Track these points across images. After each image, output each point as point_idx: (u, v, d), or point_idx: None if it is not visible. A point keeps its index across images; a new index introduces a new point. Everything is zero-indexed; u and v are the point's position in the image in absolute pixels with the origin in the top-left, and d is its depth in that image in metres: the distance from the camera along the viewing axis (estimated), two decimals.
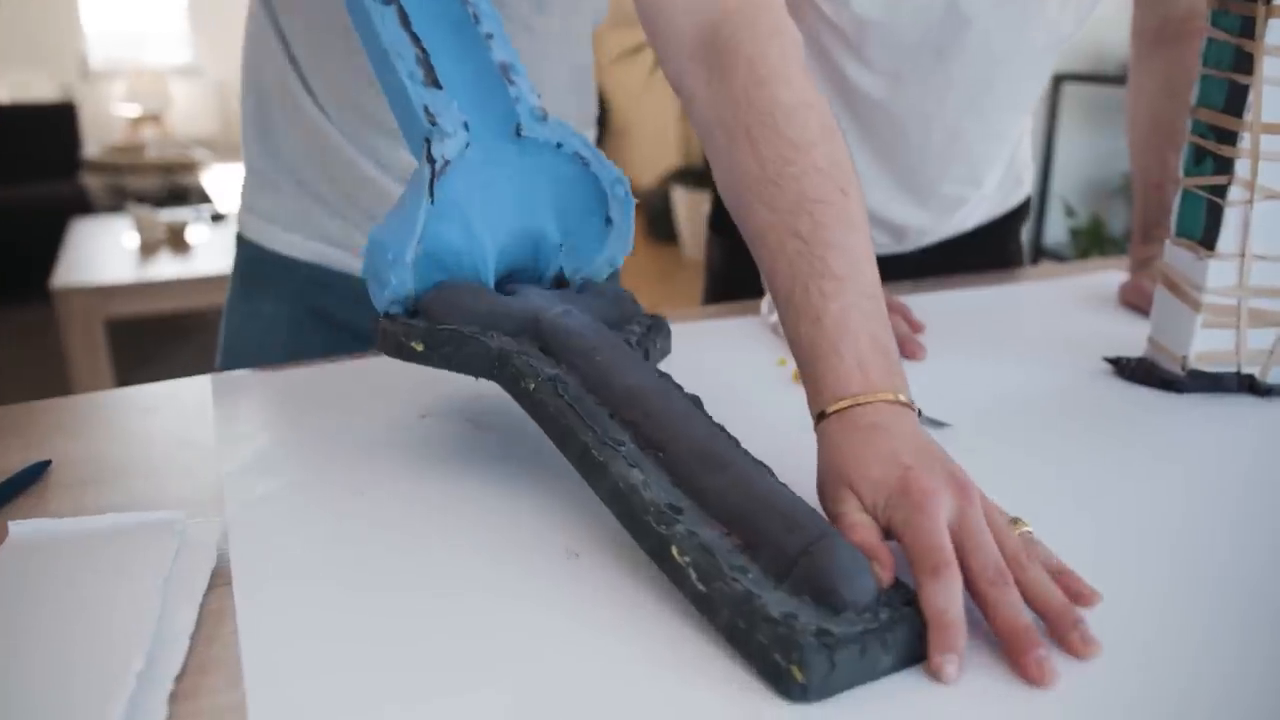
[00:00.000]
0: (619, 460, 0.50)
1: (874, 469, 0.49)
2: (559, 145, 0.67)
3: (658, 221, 5.17)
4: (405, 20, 0.66)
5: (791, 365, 0.83)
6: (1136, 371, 0.80)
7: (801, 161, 0.60)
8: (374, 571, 0.51)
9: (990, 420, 0.72)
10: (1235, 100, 0.72)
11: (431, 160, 0.61)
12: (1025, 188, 1.26)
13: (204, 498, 0.60)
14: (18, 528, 0.52)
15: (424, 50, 0.66)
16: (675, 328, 0.93)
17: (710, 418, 0.55)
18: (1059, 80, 2.36)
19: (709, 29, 0.66)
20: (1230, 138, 0.72)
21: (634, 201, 0.70)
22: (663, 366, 0.71)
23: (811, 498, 0.52)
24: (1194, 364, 0.76)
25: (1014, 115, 1.12)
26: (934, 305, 1.00)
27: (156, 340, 3.61)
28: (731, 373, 0.82)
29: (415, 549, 0.53)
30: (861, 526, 0.48)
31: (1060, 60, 2.26)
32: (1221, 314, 0.75)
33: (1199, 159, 0.76)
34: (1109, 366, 0.83)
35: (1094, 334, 0.92)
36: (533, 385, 0.55)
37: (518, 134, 0.66)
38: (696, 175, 4.88)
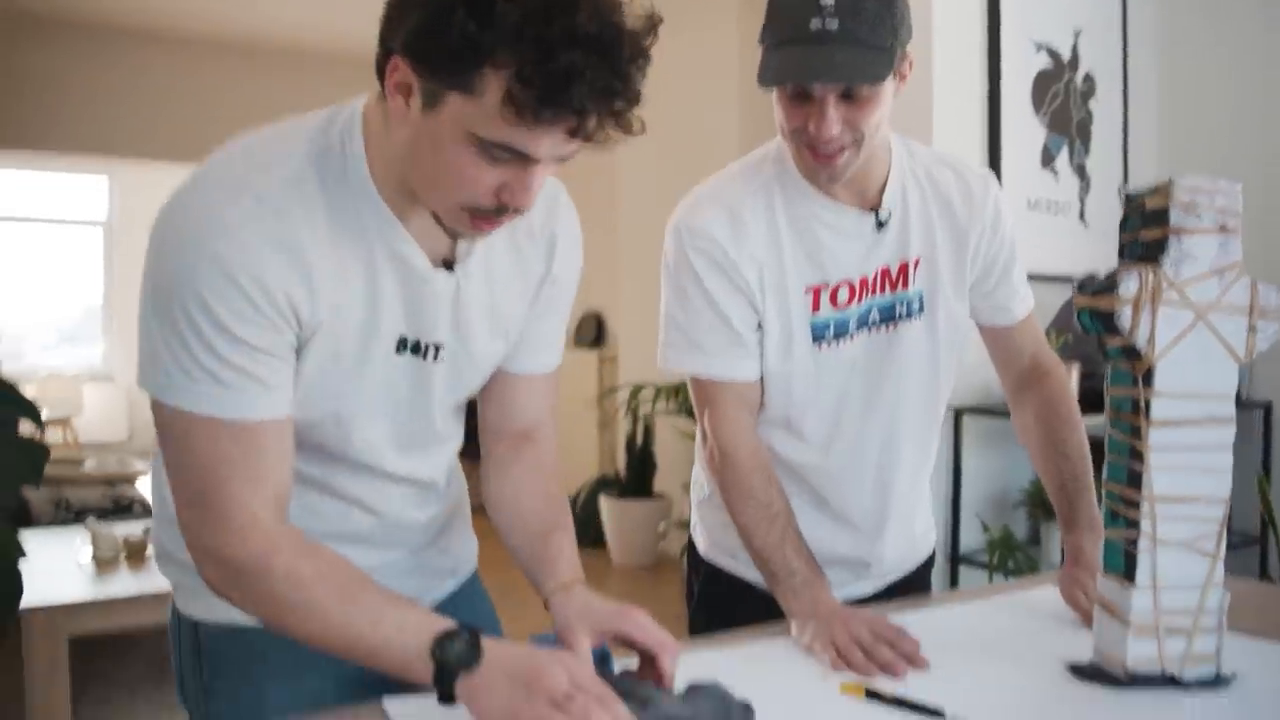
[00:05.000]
0: None
1: None
2: None
3: (585, 528, 5.41)
4: None
5: (834, 679, 1.08)
6: (1091, 674, 1.07)
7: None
8: None
9: (993, 715, 0.98)
10: (1134, 479, 1.05)
11: None
12: (931, 543, 1.59)
13: None
14: None
15: None
16: (725, 652, 1.18)
17: None
18: (959, 413, 2.80)
19: None
20: (1134, 505, 1.05)
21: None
22: (744, 684, 0.96)
23: None
24: (1131, 668, 1.04)
25: (918, 452, 1.45)
26: (919, 624, 1.27)
27: (112, 654, 3.56)
28: (788, 687, 1.07)
29: None
30: None
31: (959, 397, 2.71)
32: (1145, 630, 1.04)
33: (1114, 518, 1.08)
34: (1069, 669, 1.10)
35: (1048, 640, 1.20)
36: None
37: None
38: (620, 485, 5.20)
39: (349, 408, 1.01)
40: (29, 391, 9.01)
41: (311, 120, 0.97)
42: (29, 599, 2.95)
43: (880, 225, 1.32)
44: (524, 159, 0.87)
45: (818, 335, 1.33)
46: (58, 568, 3.33)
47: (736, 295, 1.31)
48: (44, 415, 9.04)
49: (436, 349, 1.04)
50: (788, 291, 1.31)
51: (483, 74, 0.81)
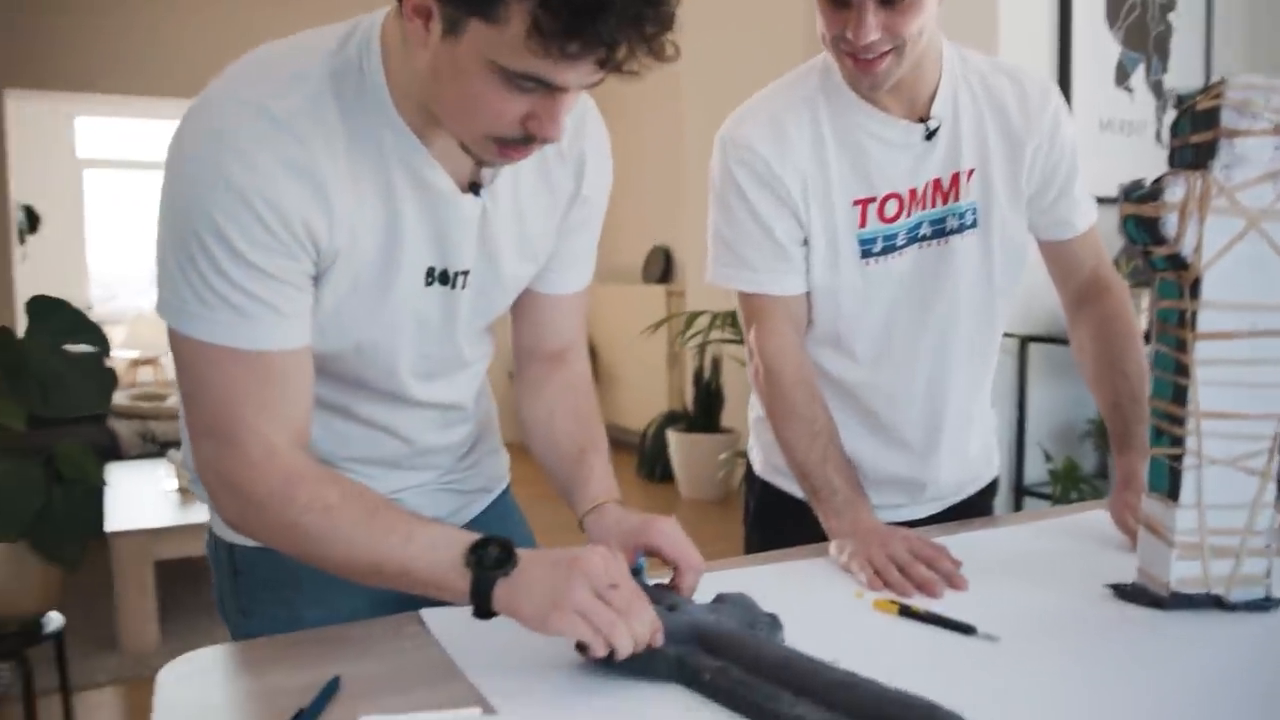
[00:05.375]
0: (783, 702, 0.76)
1: None
2: None
3: (654, 463, 5.45)
4: None
5: (869, 596, 1.07)
6: (1132, 594, 1.05)
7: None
8: None
9: (1027, 634, 0.96)
10: (1179, 395, 1.01)
11: None
12: (994, 469, 1.56)
13: (469, 698, 0.82)
14: None
15: None
16: (763, 569, 1.18)
17: (823, 661, 0.81)
18: (1025, 341, 2.73)
19: None
20: (1179, 421, 1.01)
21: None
22: (776, 599, 0.96)
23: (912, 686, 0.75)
24: (1174, 588, 1.01)
25: (972, 371, 1.41)
26: (962, 545, 1.25)
27: (195, 580, 3.71)
28: (822, 605, 1.07)
29: None
30: None
31: (1025, 325, 2.64)
32: (1190, 549, 1.01)
33: (1158, 436, 1.04)
34: (1110, 590, 1.07)
35: (1092, 562, 1.17)
36: (708, 676, 0.81)
37: None
38: (688, 420, 5.22)
39: (370, 337, 0.99)
40: (120, 332, 9.38)
41: (329, 35, 0.93)
42: (119, 524, 3.10)
43: (930, 135, 1.28)
44: (551, 88, 0.83)
45: (866, 250, 1.30)
46: (144, 496, 3.49)
47: (780, 208, 1.29)
48: (135, 355, 9.25)
49: (464, 276, 1.01)
50: (833, 204, 1.29)
51: (506, 2, 0.76)
